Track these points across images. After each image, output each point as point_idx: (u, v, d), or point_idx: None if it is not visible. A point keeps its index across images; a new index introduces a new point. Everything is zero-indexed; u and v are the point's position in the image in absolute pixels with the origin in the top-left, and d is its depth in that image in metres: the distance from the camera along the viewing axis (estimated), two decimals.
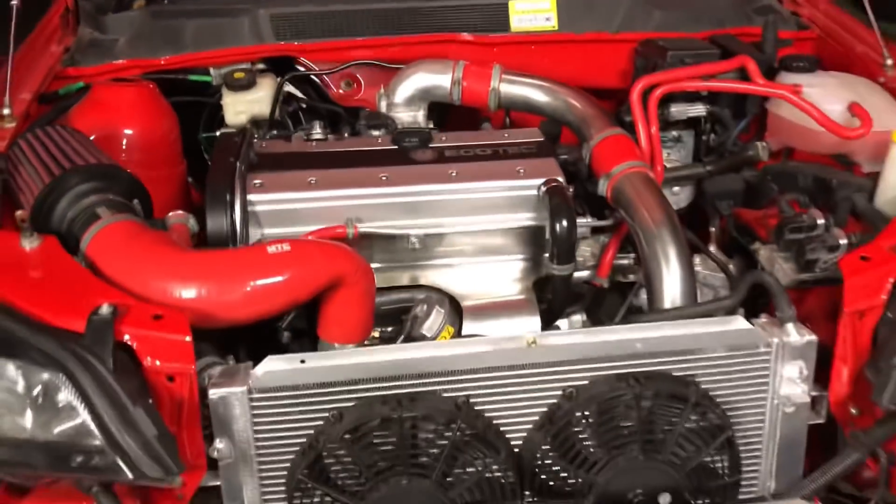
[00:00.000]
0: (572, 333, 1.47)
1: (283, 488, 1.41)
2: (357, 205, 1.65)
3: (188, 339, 1.30)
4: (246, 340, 1.57)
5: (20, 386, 1.30)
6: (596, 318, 1.81)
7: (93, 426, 1.24)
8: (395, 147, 1.80)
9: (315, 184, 1.66)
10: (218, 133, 2.00)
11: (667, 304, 1.57)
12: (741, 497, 1.51)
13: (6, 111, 1.79)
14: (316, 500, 1.40)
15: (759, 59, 1.97)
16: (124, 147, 1.90)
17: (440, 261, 1.70)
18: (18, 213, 1.46)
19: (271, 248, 1.43)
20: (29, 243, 1.43)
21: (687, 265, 1.58)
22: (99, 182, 1.58)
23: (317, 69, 2.18)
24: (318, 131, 1.94)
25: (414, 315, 1.59)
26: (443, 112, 2.15)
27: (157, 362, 1.31)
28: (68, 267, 1.43)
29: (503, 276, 1.72)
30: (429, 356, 1.40)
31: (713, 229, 1.95)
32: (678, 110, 1.99)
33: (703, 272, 1.83)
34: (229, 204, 1.58)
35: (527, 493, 1.45)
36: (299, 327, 1.63)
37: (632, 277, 1.85)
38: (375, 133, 1.92)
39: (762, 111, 2.04)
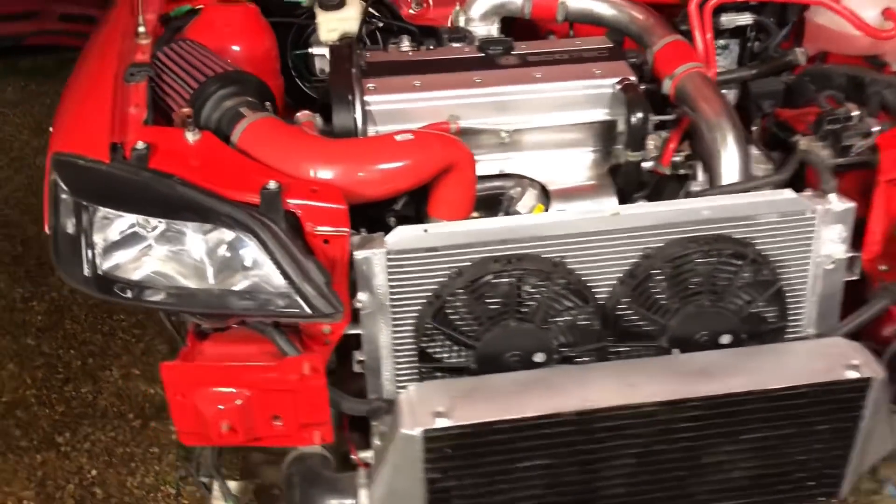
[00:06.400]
0: (649, 205, 1.74)
1: (410, 334, 1.72)
2: (456, 104, 1.90)
3: (343, 206, 1.59)
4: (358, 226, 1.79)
5: (204, 249, 1.60)
6: None
7: (277, 274, 1.54)
8: (483, 55, 2.05)
9: (420, 86, 1.92)
10: (313, 49, 2.26)
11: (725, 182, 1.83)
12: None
13: (141, 29, 2.04)
14: (439, 342, 1.71)
15: None
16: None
17: (526, 153, 1.97)
18: (184, 110, 1.72)
19: (398, 137, 1.70)
20: (192, 136, 1.71)
21: (744, 148, 1.84)
22: (236, 87, 1.85)
23: None
24: (406, 45, 2.20)
25: (509, 196, 1.87)
26: (509, 27, 2.39)
27: (317, 227, 1.59)
28: (229, 155, 1.70)
29: (580, 166, 1.99)
30: (531, 224, 1.69)
31: (755, 127, 2.19)
32: (728, 19, 2.22)
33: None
34: (352, 103, 1.85)
35: (610, 338, 1.76)
36: (405, 214, 1.92)
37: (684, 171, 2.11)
38: (458, 45, 2.17)
39: (800, 20, 2.28)
